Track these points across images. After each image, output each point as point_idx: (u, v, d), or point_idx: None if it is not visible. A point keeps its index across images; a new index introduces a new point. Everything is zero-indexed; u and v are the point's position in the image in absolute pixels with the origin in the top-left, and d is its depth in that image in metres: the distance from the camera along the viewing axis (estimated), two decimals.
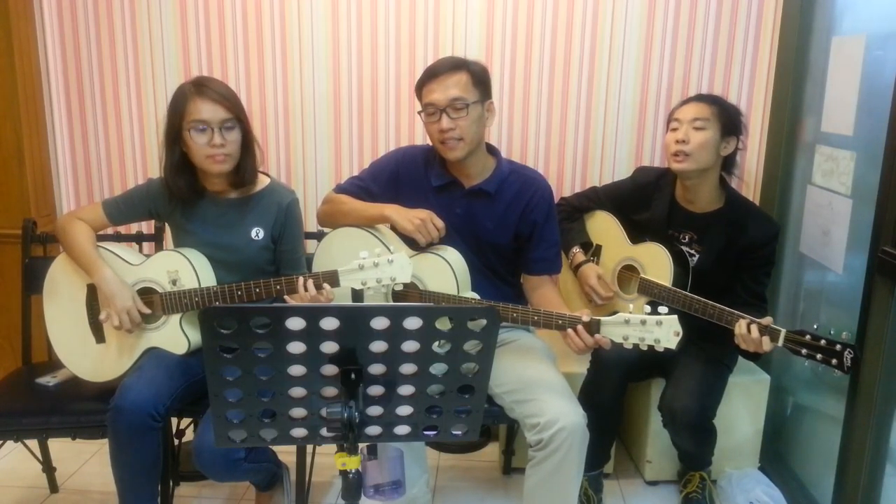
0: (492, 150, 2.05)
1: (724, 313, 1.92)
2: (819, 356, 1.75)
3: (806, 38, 2.41)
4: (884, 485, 1.83)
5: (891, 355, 1.77)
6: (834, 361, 1.73)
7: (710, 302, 1.95)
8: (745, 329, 1.85)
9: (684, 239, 2.19)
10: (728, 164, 2.15)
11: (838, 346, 1.73)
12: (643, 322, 1.65)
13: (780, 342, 1.81)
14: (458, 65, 1.91)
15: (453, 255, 1.91)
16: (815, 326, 1.81)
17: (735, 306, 1.93)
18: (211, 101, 1.84)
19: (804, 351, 1.77)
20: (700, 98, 2.14)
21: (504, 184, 2.01)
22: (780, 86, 2.51)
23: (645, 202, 2.25)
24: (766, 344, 1.83)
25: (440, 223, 1.89)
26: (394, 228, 1.93)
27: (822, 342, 1.75)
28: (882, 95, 1.81)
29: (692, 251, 2.17)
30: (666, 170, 2.23)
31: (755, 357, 1.94)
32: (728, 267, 2.13)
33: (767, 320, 1.84)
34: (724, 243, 2.12)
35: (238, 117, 1.88)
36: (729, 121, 2.09)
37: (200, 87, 1.86)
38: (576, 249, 2.30)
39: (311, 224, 2.60)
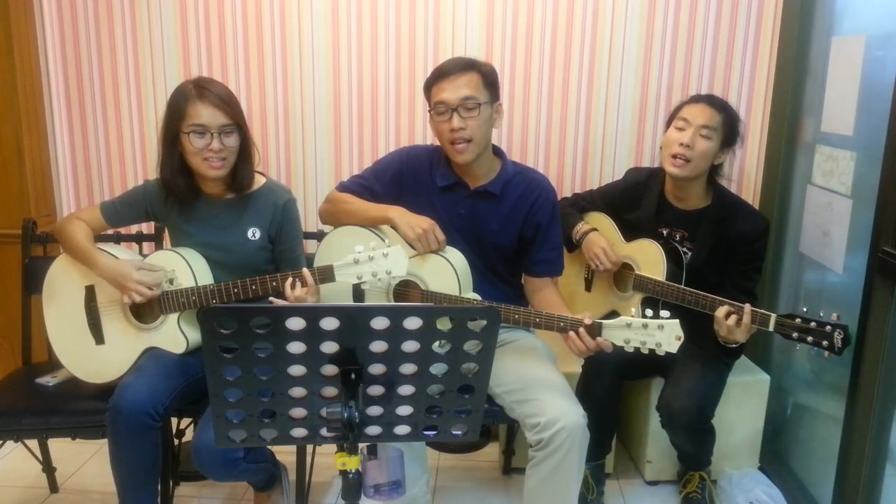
0: (497, 152, 2.05)
1: (716, 303, 1.93)
2: (810, 338, 1.75)
3: (806, 38, 2.41)
4: (884, 485, 1.83)
5: (891, 355, 1.77)
6: (825, 343, 1.73)
7: (702, 293, 1.97)
8: (723, 315, 1.88)
9: (676, 237, 2.19)
10: (716, 167, 2.16)
11: (828, 328, 1.73)
12: (645, 325, 1.65)
13: (771, 327, 1.82)
14: (469, 65, 1.91)
15: (455, 255, 1.91)
16: (804, 309, 1.81)
17: None
18: (211, 106, 1.84)
19: (795, 335, 1.78)
20: (712, 102, 2.11)
21: (509, 185, 2.01)
22: (780, 86, 2.51)
23: (635, 201, 2.26)
24: (740, 334, 1.87)
25: (441, 236, 1.88)
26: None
27: (812, 324, 1.75)
28: (882, 95, 1.81)
29: (685, 249, 2.18)
30: (657, 169, 2.24)
31: (740, 349, 1.98)
32: (719, 263, 2.14)
33: (745, 308, 1.86)
34: (715, 239, 2.13)
35: (237, 122, 1.88)
36: (730, 134, 2.10)
37: (201, 89, 1.85)
38: (580, 224, 2.28)
39: (310, 224, 2.60)
